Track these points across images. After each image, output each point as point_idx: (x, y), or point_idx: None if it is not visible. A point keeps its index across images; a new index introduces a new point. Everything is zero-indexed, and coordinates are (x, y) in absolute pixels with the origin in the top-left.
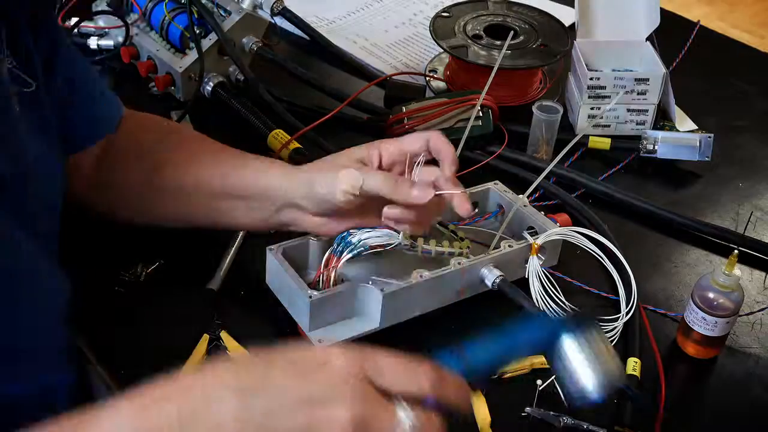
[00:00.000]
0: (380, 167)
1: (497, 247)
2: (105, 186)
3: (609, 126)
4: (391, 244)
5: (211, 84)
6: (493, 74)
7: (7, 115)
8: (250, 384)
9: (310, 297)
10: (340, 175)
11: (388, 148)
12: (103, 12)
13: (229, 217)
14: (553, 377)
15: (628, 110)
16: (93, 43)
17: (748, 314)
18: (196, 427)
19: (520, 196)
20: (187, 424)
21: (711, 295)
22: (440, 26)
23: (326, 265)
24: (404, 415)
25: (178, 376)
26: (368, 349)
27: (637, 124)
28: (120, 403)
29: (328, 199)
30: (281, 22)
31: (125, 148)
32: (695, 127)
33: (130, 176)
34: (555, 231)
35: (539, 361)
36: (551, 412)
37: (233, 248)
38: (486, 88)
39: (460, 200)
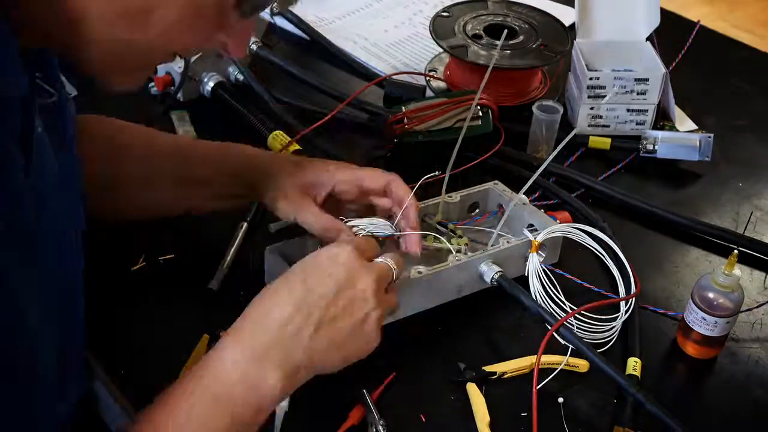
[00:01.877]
0: (331, 193)
1: (496, 243)
2: None
3: (609, 126)
4: (384, 234)
5: (211, 84)
6: (488, 74)
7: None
8: (300, 296)
9: None
10: (278, 209)
11: (345, 181)
12: None
13: (195, 203)
14: (551, 376)
15: (628, 110)
16: None
17: (747, 311)
18: (282, 337)
19: (519, 193)
20: (272, 338)
21: (711, 295)
22: (440, 26)
23: None
24: (389, 262)
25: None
26: (346, 237)
27: (636, 124)
28: (223, 346)
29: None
30: (281, 22)
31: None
32: (695, 126)
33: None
34: (555, 228)
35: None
36: None
37: (233, 248)
38: (481, 87)
39: (411, 244)
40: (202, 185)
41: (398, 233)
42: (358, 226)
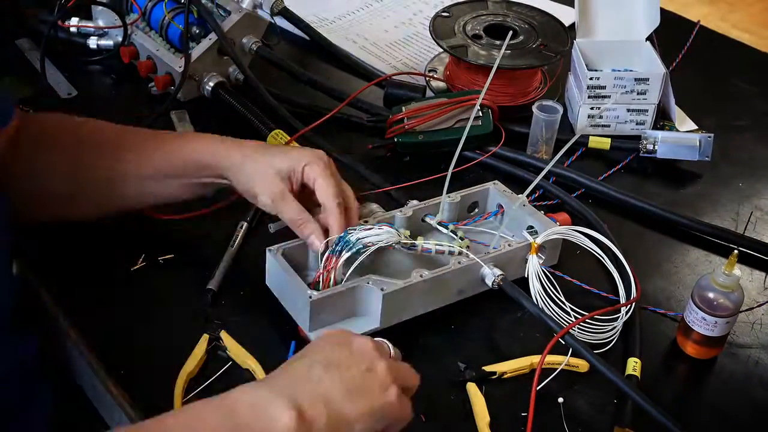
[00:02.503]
0: (303, 184)
1: (497, 246)
2: (20, 189)
3: (609, 126)
4: (389, 243)
5: (211, 84)
6: (492, 74)
7: None
8: (316, 415)
9: (311, 297)
10: (260, 199)
11: (308, 177)
12: (99, 3)
13: (160, 195)
14: (551, 376)
15: (628, 110)
16: (93, 43)
17: (747, 311)
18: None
19: (520, 195)
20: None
21: (711, 295)
22: (440, 26)
23: (326, 265)
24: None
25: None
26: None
27: (637, 123)
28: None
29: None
30: (281, 22)
31: (42, 149)
32: (695, 126)
33: (51, 174)
34: (555, 230)
35: (539, 361)
36: None
37: (233, 248)
38: (485, 87)
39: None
40: (167, 178)
41: (403, 241)
42: (364, 237)
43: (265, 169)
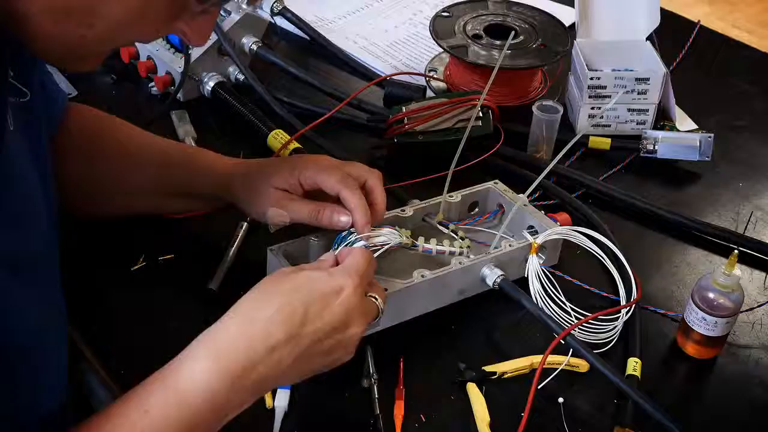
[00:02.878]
0: (304, 191)
1: (498, 246)
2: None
3: (609, 126)
4: (390, 244)
5: (211, 84)
6: (493, 75)
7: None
8: (297, 326)
9: None
10: (269, 214)
11: (306, 179)
12: None
13: (172, 208)
14: (552, 376)
15: (629, 110)
16: None
17: (747, 311)
18: (264, 363)
19: (520, 195)
20: (253, 360)
21: (711, 295)
22: (440, 26)
23: None
24: (379, 302)
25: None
26: (357, 261)
27: (637, 123)
28: (196, 356)
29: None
30: (281, 21)
31: (65, 141)
32: (695, 126)
33: (69, 169)
34: (555, 230)
35: (539, 361)
36: None
37: (233, 248)
38: (487, 88)
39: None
40: (181, 194)
41: (404, 241)
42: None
43: (263, 188)
